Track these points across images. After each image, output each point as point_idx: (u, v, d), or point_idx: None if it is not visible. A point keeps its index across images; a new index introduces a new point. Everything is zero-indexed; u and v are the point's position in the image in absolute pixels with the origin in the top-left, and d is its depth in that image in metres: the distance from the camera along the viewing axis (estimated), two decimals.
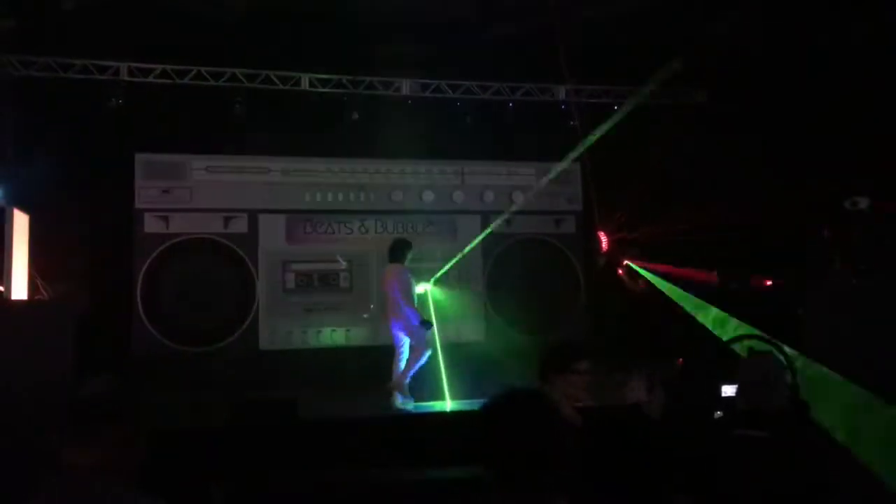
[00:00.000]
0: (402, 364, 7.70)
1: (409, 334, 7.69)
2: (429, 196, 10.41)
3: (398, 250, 7.86)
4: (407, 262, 7.85)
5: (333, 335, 9.90)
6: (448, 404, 7.77)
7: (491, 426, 2.27)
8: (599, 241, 9.69)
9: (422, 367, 7.73)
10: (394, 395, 7.54)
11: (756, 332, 4.71)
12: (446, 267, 8.99)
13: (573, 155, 6.02)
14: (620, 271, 9.34)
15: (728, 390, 5.63)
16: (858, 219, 6.55)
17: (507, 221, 8.88)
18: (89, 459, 2.14)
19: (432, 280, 8.84)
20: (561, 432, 2.27)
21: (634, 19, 8.62)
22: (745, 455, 2.91)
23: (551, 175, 7.50)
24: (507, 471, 2.20)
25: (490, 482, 2.27)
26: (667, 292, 8.37)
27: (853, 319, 5.51)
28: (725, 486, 2.85)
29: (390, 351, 9.74)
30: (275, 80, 9.51)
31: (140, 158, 9.49)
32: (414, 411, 7.46)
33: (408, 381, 7.63)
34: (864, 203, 6.48)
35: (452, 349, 8.30)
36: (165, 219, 9.52)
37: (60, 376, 4.97)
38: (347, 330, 9.95)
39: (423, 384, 7.89)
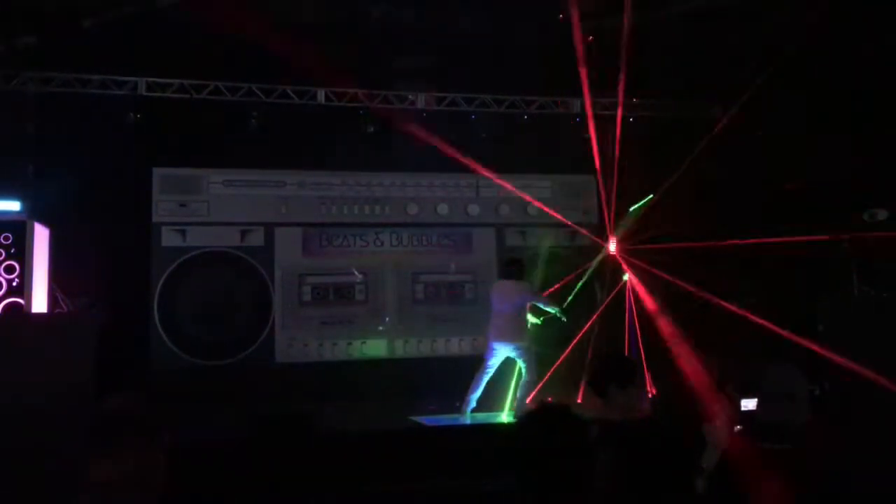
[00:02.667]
0: (484, 381, 7.78)
1: (521, 356, 7.76)
2: (444, 209, 10.43)
3: (518, 267, 8.01)
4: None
5: (349, 348, 9.92)
6: (504, 416, 7.82)
7: (522, 439, 2.32)
8: (608, 245, 9.68)
9: (491, 379, 7.86)
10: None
11: None
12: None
13: None
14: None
15: (747, 404, 5.62)
16: (877, 231, 6.53)
17: (522, 234, 8.91)
18: (113, 475, 2.16)
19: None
20: (588, 444, 2.31)
21: (649, 33, 8.63)
22: (768, 468, 2.90)
23: None
24: (537, 481, 2.24)
25: (520, 493, 2.30)
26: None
27: (872, 334, 5.48)
28: (748, 497, 2.84)
29: (405, 364, 9.83)
30: (291, 94, 9.58)
31: (158, 172, 9.56)
32: (431, 424, 7.47)
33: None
34: (882, 215, 6.45)
35: (474, 362, 8.26)
36: (182, 232, 9.58)
37: (82, 390, 5.00)
38: (363, 342, 9.97)
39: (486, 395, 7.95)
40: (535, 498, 2.23)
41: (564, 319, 8.09)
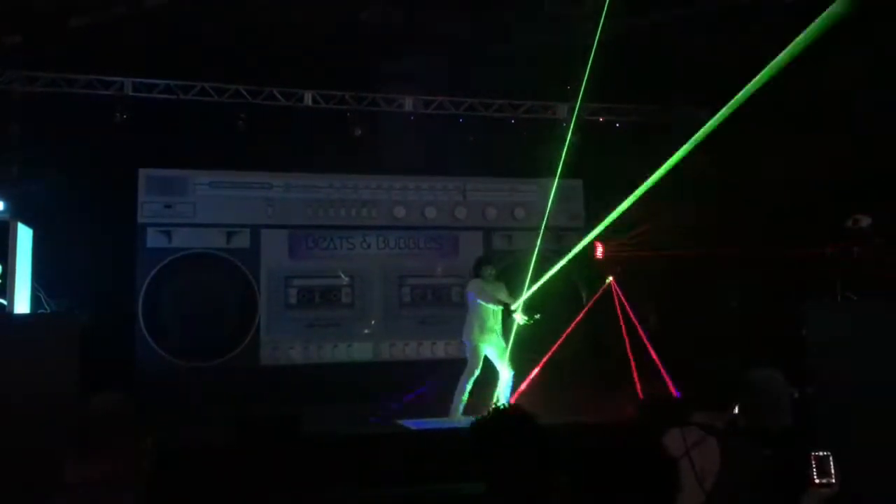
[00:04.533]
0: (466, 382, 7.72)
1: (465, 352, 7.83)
2: (431, 212, 10.44)
3: (475, 266, 8.03)
4: (486, 276, 7.86)
5: (335, 351, 9.90)
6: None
7: (479, 442, 2.34)
8: (595, 251, 9.71)
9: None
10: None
11: None
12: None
13: None
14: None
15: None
16: (860, 238, 6.57)
17: (509, 237, 8.91)
18: (95, 475, 2.15)
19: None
20: (546, 445, 2.33)
21: (636, 38, 8.67)
22: (750, 475, 2.91)
23: None
24: (500, 484, 2.26)
25: (489, 497, 2.31)
26: None
27: (856, 340, 5.51)
28: None
29: (391, 366, 9.82)
30: (278, 96, 9.56)
31: (143, 173, 9.53)
32: (415, 428, 7.45)
33: (456, 402, 7.66)
34: (865, 222, 6.49)
35: (460, 365, 8.24)
36: (168, 233, 9.55)
37: (65, 391, 4.96)
38: (349, 345, 9.96)
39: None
40: (502, 500, 2.24)
41: (522, 317, 7.70)
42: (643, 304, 9.23)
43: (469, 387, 7.71)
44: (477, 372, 7.76)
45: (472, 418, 2.46)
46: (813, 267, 7.19)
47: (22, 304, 7.76)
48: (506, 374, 7.78)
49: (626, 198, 9.32)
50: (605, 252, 9.72)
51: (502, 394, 7.72)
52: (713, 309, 9.45)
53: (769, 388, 3.24)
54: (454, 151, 10.18)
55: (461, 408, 7.69)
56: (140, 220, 9.47)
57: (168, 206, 9.58)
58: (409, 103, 9.98)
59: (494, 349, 7.77)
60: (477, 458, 2.33)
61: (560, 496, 2.29)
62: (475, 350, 7.74)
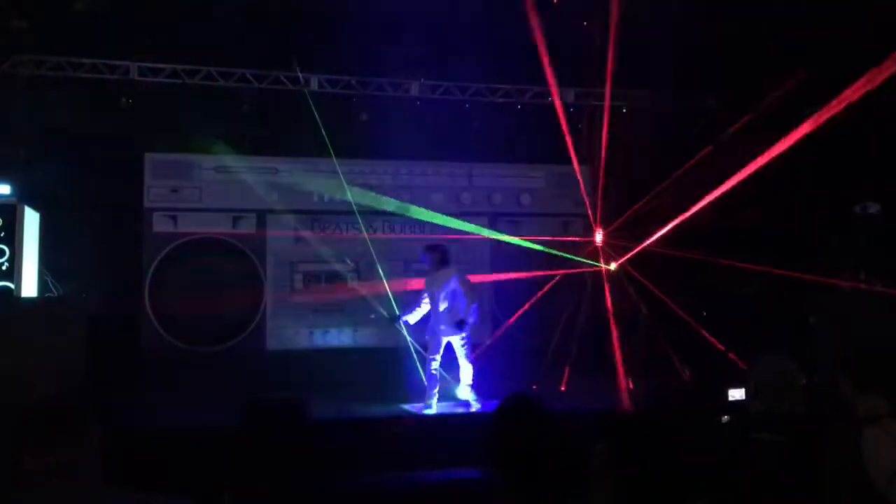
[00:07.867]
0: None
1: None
2: (437, 197, 10.42)
3: (449, 255, 7.88)
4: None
5: (340, 336, 9.91)
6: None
7: (496, 429, 2.33)
8: (594, 236, 9.72)
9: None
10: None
11: None
12: None
13: None
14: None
15: (735, 394, 5.63)
16: (867, 224, 6.54)
17: (515, 223, 8.91)
18: (47, 465, 2.15)
19: None
20: (557, 434, 2.32)
21: (642, 23, 8.62)
22: (760, 459, 2.91)
23: None
24: (513, 471, 2.25)
25: (499, 483, 2.31)
26: None
27: (861, 326, 5.52)
28: (740, 490, 2.85)
29: (397, 352, 9.81)
30: (284, 80, 9.52)
31: (149, 158, 9.52)
32: (421, 414, 7.46)
33: (431, 392, 7.60)
34: (874, 208, 6.46)
35: None
36: (174, 218, 9.55)
37: (73, 374, 4.98)
38: (354, 330, 9.96)
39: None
40: (520, 495, 2.24)
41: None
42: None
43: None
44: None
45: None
46: (821, 254, 7.17)
47: (29, 287, 7.79)
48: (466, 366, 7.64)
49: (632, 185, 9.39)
50: (605, 239, 9.72)
51: (465, 386, 7.61)
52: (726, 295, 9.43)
53: (778, 371, 3.23)
54: (460, 137, 10.15)
55: (436, 396, 7.62)
56: (146, 204, 9.47)
57: (174, 191, 9.58)
58: (415, 88, 9.94)
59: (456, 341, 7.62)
60: (498, 444, 2.32)
61: (599, 466, 2.27)
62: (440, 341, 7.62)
